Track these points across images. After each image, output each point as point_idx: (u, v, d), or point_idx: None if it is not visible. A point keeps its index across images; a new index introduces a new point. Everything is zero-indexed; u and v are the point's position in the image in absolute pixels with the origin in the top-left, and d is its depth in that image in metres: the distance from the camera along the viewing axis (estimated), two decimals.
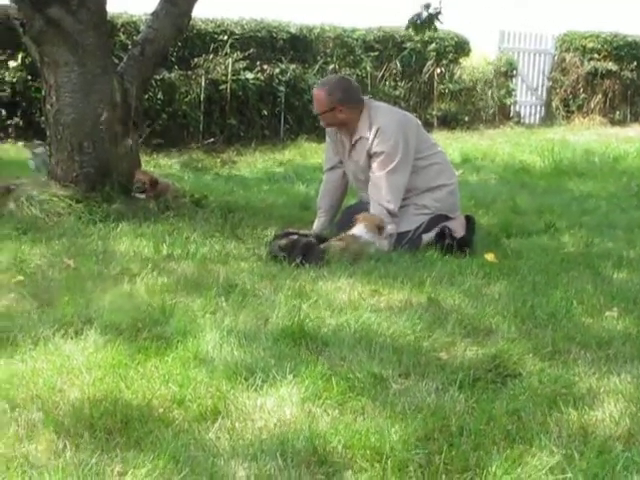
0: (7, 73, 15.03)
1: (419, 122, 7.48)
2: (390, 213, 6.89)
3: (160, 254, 6.33)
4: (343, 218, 7.45)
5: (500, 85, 20.44)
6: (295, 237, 6.39)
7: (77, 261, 6.06)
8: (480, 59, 20.66)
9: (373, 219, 6.77)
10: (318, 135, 16.17)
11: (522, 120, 21.25)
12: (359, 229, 6.68)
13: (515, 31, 21.59)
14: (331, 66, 17.92)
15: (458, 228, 7.11)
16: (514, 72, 21.05)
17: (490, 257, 6.64)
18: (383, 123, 7.01)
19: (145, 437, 3.30)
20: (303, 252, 6.19)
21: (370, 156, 7.04)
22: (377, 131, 6.98)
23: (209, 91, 16.31)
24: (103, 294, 5.23)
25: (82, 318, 4.70)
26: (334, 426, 3.44)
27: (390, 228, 6.87)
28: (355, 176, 7.33)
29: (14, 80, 15.01)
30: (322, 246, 6.48)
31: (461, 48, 20.09)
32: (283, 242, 6.34)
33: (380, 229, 6.73)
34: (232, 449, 3.25)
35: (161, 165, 13.83)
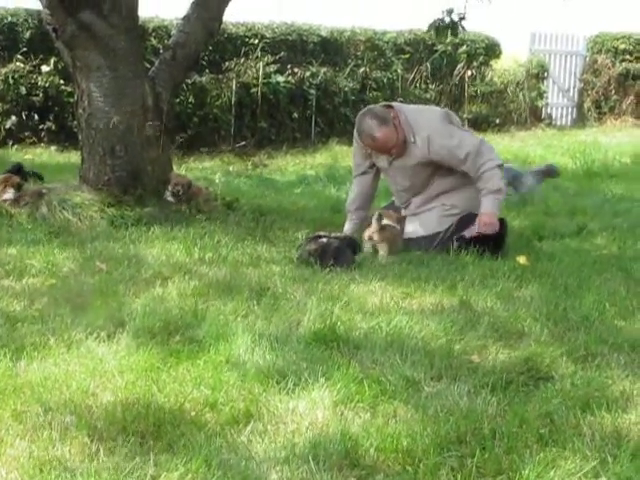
0: (40, 78, 15.10)
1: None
2: (499, 168, 7.01)
3: (192, 257, 6.35)
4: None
5: (531, 87, 20.32)
6: (325, 241, 6.38)
7: (109, 265, 6.08)
8: (511, 61, 20.55)
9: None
10: (349, 138, 16.03)
11: (554, 122, 21.11)
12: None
13: (546, 33, 21.46)
14: (362, 69, 17.89)
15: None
16: (545, 74, 20.92)
17: (522, 260, 6.61)
18: (429, 129, 7.04)
19: (178, 440, 3.31)
20: (334, 256, 6.18)
21: (423, 163, 7.05)
22: (426, 138, 7.00)
23: (240, 94, 16.32)
24: (135, 298, 5.26)
25: (114, 321, 4.72)
26: (366, 429, 3.43)
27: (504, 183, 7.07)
28: (397, 182, 7.35)
29: (47, 85, 15.09)
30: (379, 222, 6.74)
31: (492, 50, 19.99)
32: (313, 247, 6.33)
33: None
34: (264, 452, 3.25)
35: (192, 168, 13.84)
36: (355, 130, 7.38)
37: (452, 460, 3.19)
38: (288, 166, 15.23)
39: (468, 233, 6.95)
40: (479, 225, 6.88)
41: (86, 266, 6.07)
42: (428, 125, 7.05)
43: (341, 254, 6.25)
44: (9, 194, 8.11)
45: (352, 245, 6.48)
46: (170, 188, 8.17)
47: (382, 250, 6.75)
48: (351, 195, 7.66)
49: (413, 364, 4.19)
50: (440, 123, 7.09)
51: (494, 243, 6.86)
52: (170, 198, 8.13)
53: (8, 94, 14.96)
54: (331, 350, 4.36)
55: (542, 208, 9.20)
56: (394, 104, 7.38)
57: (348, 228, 7.39)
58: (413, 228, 7.13)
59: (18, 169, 9.39)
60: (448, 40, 15.16)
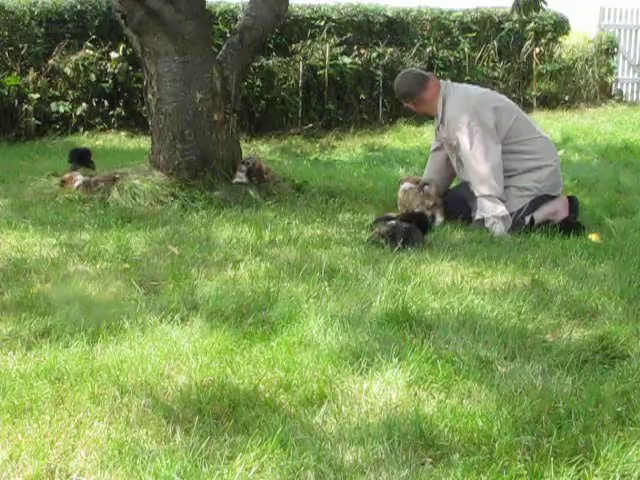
0: (109, 64, 15.25)
1: (513, 104, 7.43)
2: (492, 197, 6.84)
3: (262, 240, 6.37)
4: (448, 201, 7.41)
5: (601, 63, 20.04)
6: (394, 222, 6.37)
7: (181, 248, 6.13)
8: (580, 37, 20.29)
9: None
10: (417, 118, 16.11)
11: (624, 98, 20.82)
12: None
13: (616, 7, 21.14)
14: (428, 48, 17.80)
15: (561, 209, 7.02)
16: (615, 49, 20.61)
17: (594, 237, 6.54)
18: (452, 114, 7.09)
19: (253, 422, 3.32)
20: (405, 237, 6.16)
21: (452, 146, 7.04)
22: (448, 123, 7.07)
23: (307, 77, 16.33)
24: (208, 280, 5.29)
25: (188, 304, 4.75)
26: (440, 409, 3.42)
27: (501, 210, 6.83)
28: (450, 156, 7.34)
29: (116, 71, 15.24)
30: None
31: (560, 27, 19.73)
32: (383, 229, 6.32)
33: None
34: (339, 433, 3.25)
35: (261, 151, 13.89)
36: None
37: (528, 440, 3.16)
38: (356, 147, 15.21)
39: (534, 216, 6.92)
40: (546, 212, 6.93)
41: (158, 250, 6.12)
42: (452, 112, 7.09)
43: (411, 235, 6.22)
44: (78, 181, 8.21)
45: (422, 225, 6.45)
46: (243, 168, 8.20)
47: (439, 217, 7.10)
48: (426, 171, 7.71)
49: (486, 344, 4.17)
50: (466, 114, 7.05)
51: (565, 222, 6.81)
52: (241, 179, 8.15)
53: (78, 81, 15.15)
54: (403, 330, 4.35)
55: (614, 185, 9.08)
56: (449, 86, 7.39)
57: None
58: None
59: (83, 153, 9.46)
60: (529, 17, 14.99)
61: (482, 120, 6.96)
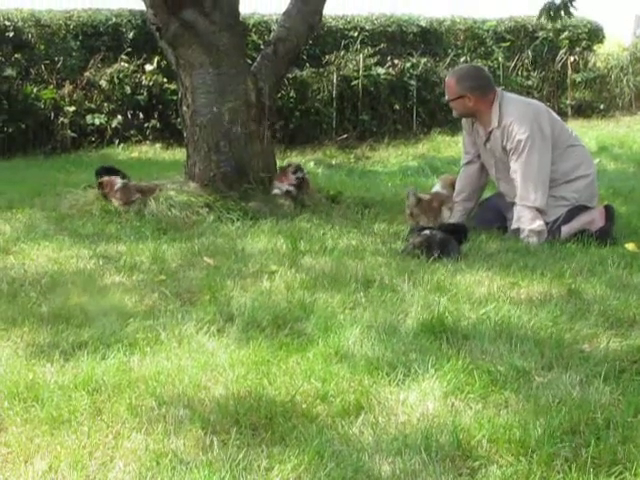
0: (144, 77, 15.33)
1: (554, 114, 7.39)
2: (538, 211, 6.81)
3: (298, 251, 6.37)
4: (481, 212, 7.41)
5: (636, 71, 19.87)
6: (429, 233, 6.35)
7: (217, 260, 6.15)
8: (615, 45, 20.18)
9: None
10: (451, 128, 16.07)
11: None
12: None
13: None
14: (462, 58, 17.75)
15: (597, 218, 6.99)
16: None
17: (631, 247, 6.50)
18: (514, 117, 6.96)
19: (290, 432, 3.33)
20: (440, 247, 6.14)
21: (506, 151, 6.98)
22: (509, 125, 6.93)
23: (341, 87, 16.34)
24: (243, 292, 5.30)
25: (224, 316, 4.76)
26: (477, 420, 3.41)
27: (538, 225, 6.79)
28: (493, 167, 7.27)
29: (151, 84, 15.31)
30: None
31: (595, 35, 19.63)
32: (418, 240, 6.30)
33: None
34: (376, 444, 3.25)
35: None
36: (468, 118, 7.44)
37: (566, 451, 3.15)
38: (390, 158, 15.20)
39: (570, 227, 6.88)
40: (582, 221, 6.90)
41: (194, 261, 6.14)
42: (515, 115, 6.98)
43: (447, 245, 6.21)
44: (118, 184, 8.23)
45: (458, 235, 6.43)
46: (292, 177, 8.24)
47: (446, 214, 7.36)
48: (457, 185, 7.57)
49: (523, 354, 4.15)
50: (529, 118, 6.99)
51: (602, 231, 6.79)
52: (280, 190, 8.17)
53: (114, 94, 15.23)
54: (440, 341, 4.34)
55: None
56: (505, 93, 7.29)
57: (454, 216, 7.37)
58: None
59: (108, 170, 9.44)
60: (560, 23, 14.94)
61: (541, 128, 6.92)
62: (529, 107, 7.13)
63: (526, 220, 6.82)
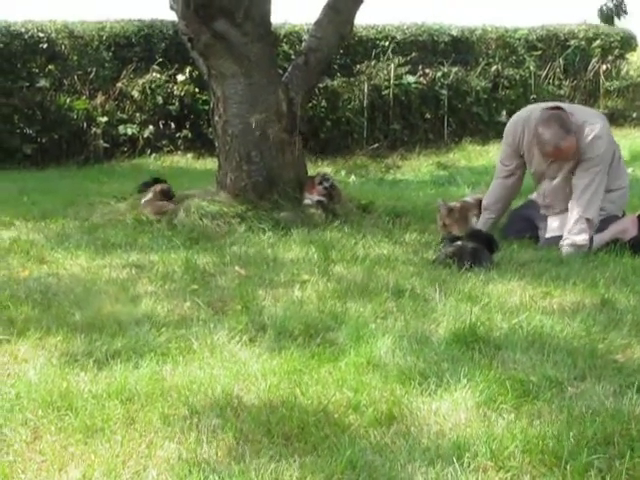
0: (175, 87, 15.42)
1: None
2: (585, 222, 6.77)
3: (329, 260, 6.37)
4: (512, 221, 7.39)
5: None
6: (461, 243, 6.33)
7: (248, 269, 6.16)
8: None
9: None
10: (482, 137, 16.09)
11: None
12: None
13: None
14: (493, 67, 17.76)
15: (630, 227, 6.95)
16: None
17: None
18: (599, 129, 6.89)
19: (322, 442, 3.32)
20: (472, 257, 6.13)
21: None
22: (594, 137, 6.84)
23: (372, 97, 16.38)
24: (275, 301, 5.31)
25: (256, 325, 4.77)
26: (510, 430, 3.39)
27: (583, 239, 6.76)
28: (550, 182, 7.21)
29: (182, 94, 15.41)
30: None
31: (627, 43, 19.56)
32: (450, 250, 6.29)
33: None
34: (408, 454, 3.24)
35: (326, 172, 13.92)
36: (507, 131, 7.36)
37: (600, 462, 3.12)
38: (421, 167, 15.22)
39: (602, 237, 6.85)
40: (615, 230, 6.85)
41: (226, 271, 6.15)
42: (599, 127, 6.90)
43: (479, 255, 6.19)
44: (148, 196, 8.31)
45: (489, 244, 6.41)
46: (321, 189, 8.27)
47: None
48: (492, 196, 7.51)
49: (555, 364, 4.13)
50: (608, 132, 6.98)
51: (635, 240, 6.75)
52: (311, 200, 8.19)
53: (146, 104, 15.35)
54: (472, 351, 4.33)
55: None
56: (562, 105, 7.20)
57: (482, 224, 7.34)
58: (553, 227, 7.03)
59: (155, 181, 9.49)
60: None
61: (612, 145, 7.00)
62: (605, 121, 7.10)
63: (574, 230, 6.77)
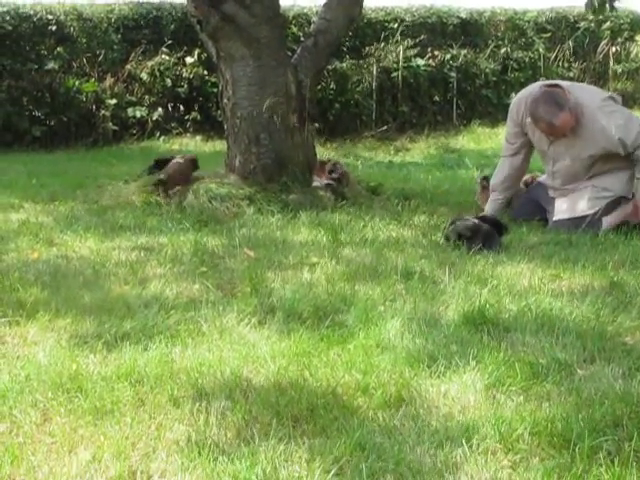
0: (184, 69, 15.41)
1: None
2: None
3: (338, 242, 6.37)
4: (521, 204, 7.38)
5: None
6: (475, 223, 6.30)
7: (257, 252, 6.16)
8: None
9: None
10: (491, 120, 16.06)
11: None
12: None
13: None
14: (502, 49, 17.70)
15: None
16: None
17: None
18: (592, 106, 6.94)
19: (331, 424, 3.32)
20: (484, 239, 6.12)
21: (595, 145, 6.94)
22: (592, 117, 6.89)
23: (381, 79, 16.35)
24: (284, 283, 5.30)
25: (265, 308, 4.76)
26: (519, 413, 3.39)
27: None
28: (556, 163, 7.19)
29: (191, 76, 15.39)
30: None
31: (637, 25, 19.47)
32: (461, 228, 6.25)
33: None
34: (417, 436, 3.24)
35: (334, 155, 13.91)
36: (511, 109, 7.38)
37: (609, 444, 3.12)
38: (430, 149, 15.19)
39: (611, 219, 6.83)
40: (624, 212, 6.80)
41: (234, 253, 6.15)
42: (591, 102, 6.94)
43: (490, 237, 6.17)
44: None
45: (499, 228, 6.39)
46: (331, 176, 8.27)
47: None
48: (499, 176, 7.51)
49: (565, 347, 4.12)
50: (603, 101, 6.97)
51: None
52: (318, 183, 8.19)
53: (154, 86, 15.34)
54: (481, 333, 4.32)
55: None
56: (561, 83, 7.23)
57: (491, 208, 7.32)
58: (561, 209, 7.03)
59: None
60: (605, 16, 14.88)
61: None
62: (596, 90, 7.30)
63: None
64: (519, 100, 7.33)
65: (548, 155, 7.20)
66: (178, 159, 8.57)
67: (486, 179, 7.73)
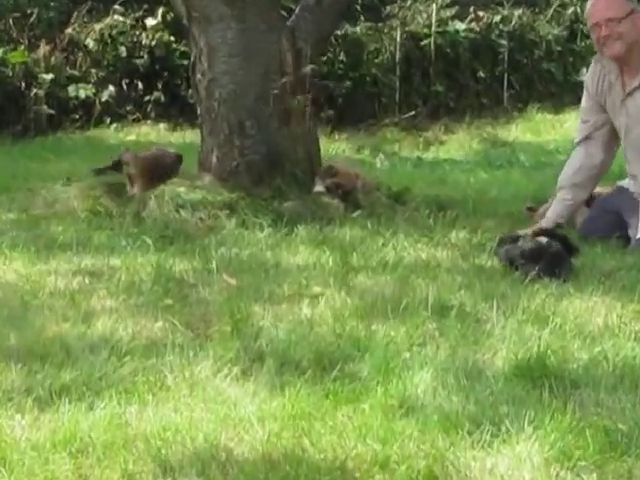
0: (144, 35, 15.45)
1: None
2: None
3: (349, 267, 6.38)
4: (594, 216, 7.35)
5: None
6: (540, 242, 6.27)
7: (240, 278, 6.17)
8: None
9: None
10: (554, 104, 16.05)
11: None
12: None
13: None
14: (570, 9, 17.73)
15: None
16: None
17: None
18: None
19: None
20: (550, 264, 6.09)
21: None
22: None
23: (407, 48, 16.39)
24: (276, 321, 5.31)
25: (250, 354, 4.77)
26: None
27: None
28: (627, 137, 7.18)
29: (153, 43, 15.42)
30: None
31: None
32: (526, 245, 6.23)
33: None
34: None
35: (344, 149, 13.95)
36: (587, 76, 7.45)
37: None
38: (472, 143, 15.24)
39: None
40: None
41: (210, 281, 6.16)
42: None
43: (560, 262, 6.15)
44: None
45: (568, 246, 6.37)
46: (322, 182, 8.28)
47: None
48: (569, 169, 7.43)
49: None
50: None
51: None
52: (320, 188, 8.20)
53: (104, 57, 15.36)
54: (540, 389, 4.33)
55: None
56: None
57: (555, 210, 7.27)
58: None
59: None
60: None
61: None
62: None
63: None
64: (596, 62, 7.29)
65: (620, 124, 7.17)
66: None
67: (531, 209, 7.65)
